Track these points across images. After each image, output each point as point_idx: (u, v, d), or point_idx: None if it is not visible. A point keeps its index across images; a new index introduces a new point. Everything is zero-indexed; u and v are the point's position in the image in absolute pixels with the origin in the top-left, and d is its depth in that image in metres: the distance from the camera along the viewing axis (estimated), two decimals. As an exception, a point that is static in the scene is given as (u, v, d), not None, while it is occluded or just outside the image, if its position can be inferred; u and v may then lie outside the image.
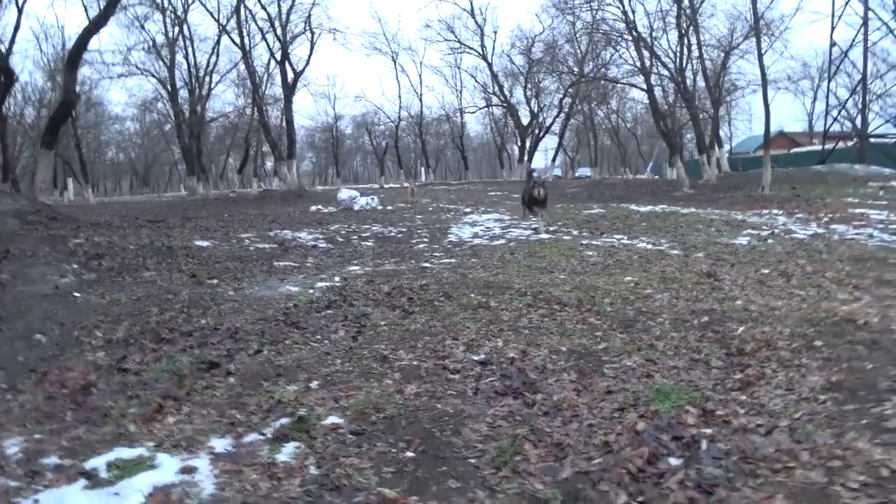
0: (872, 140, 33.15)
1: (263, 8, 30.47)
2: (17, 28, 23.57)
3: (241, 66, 33.20)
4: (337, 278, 6.64)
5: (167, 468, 3.24)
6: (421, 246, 9.88)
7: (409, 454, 3.09)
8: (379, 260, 8.47)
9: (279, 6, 30.52)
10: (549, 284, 6.66)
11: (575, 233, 11.25)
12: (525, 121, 44.10)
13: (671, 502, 2.76)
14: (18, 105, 37.71)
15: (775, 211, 14.44)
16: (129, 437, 3.65)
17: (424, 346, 4.67)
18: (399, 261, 8.33)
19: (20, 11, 23.14)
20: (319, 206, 17.60)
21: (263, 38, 31.72)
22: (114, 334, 5.54)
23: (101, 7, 17.50)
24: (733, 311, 5.65)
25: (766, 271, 7.60)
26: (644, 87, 27.70)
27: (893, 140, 31.90)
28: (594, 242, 9.88)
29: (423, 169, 50.55)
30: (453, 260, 8.42)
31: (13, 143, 36.97)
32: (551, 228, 11.60)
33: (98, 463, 3.37)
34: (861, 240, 10.27)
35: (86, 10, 26.41)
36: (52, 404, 4.31)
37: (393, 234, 11.48)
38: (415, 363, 4.31)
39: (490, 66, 42.80)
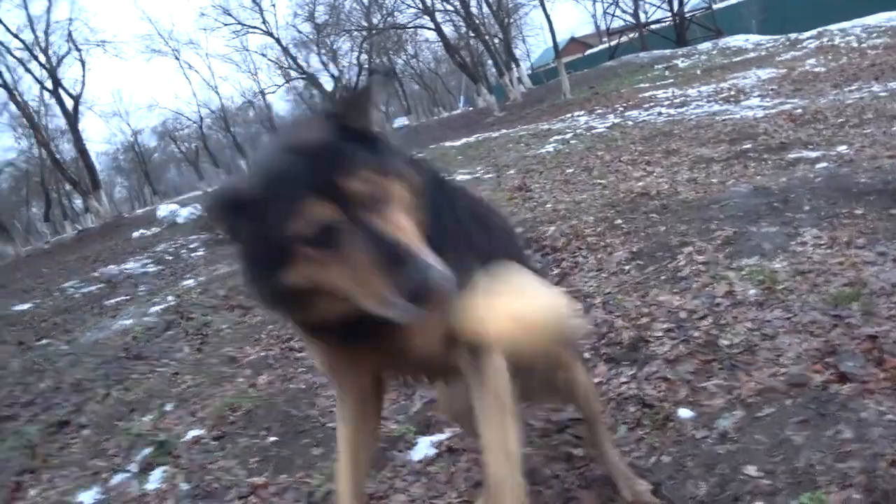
0: (652, 28, 35.67)
1: (16, 36, 27.69)
2: None
3: (11, 106, 30.21)
4: (170, 297, 6.52)
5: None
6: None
7: (271, 439, 3.23)
8: (213, 266, 8.32)
9: (34, 31, 27.86)
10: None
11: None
12: (329, 87, 43.63)
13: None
14: None
15: (577, 113, 15.43)
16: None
17: (269, 335, 4.77)
18: (233, 260, 8.24)
19: None
20: (142, 231, 16.74)
21: (27, 69, 28.92)
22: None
23: None
24: (544, 215, 6.14)
25: (571, 170, 8.24)
26: (432, 26, 28.20)
27: (668, 23, 34.37)
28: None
29: (242, 162, 48.85)
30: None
31: None
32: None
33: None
34: (651, 120, 11.29)
35: None
36: None
37: (222, 235, 11.24)
38: (262, 354, 4.41)
39: (278, 40, 41.70)
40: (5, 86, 27.27)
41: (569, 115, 15.31)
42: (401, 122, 54.94)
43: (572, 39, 54.58)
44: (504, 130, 16.36)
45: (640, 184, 6.61)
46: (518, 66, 36.30)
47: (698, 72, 18.15)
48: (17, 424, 4.80)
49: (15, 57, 28.25)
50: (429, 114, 61.33)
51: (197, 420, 3.67)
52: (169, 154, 61.17)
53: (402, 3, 32.07)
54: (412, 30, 36.08)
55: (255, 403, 3.64)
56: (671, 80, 17.09)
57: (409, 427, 2.98)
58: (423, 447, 2.83)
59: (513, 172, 9.09)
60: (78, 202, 43.82)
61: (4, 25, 27.21)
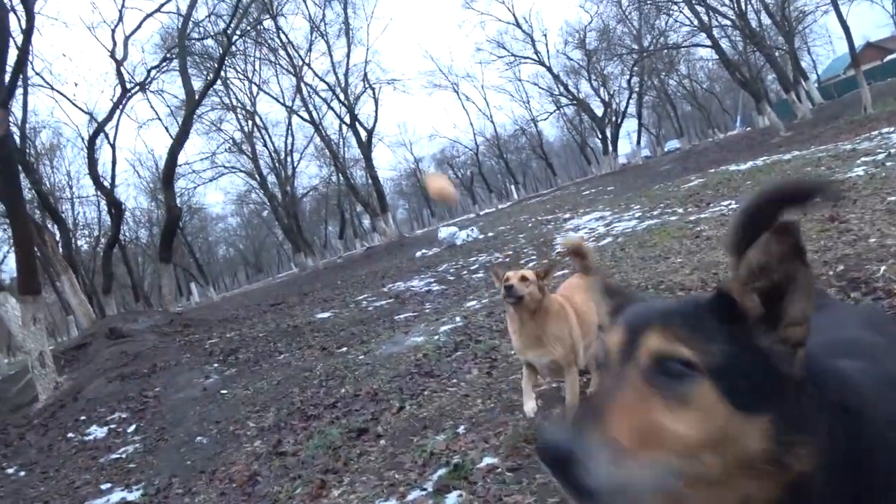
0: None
1: (322, 79, 31.76)
2: (114, 163, 25.63)
3: (317, 139, 34.58)
4: (458, 318, 6.71)
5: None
6: (530, 264, 9.84)
7: None
8: (494, 289, 8.49)
9: (335, 74, 31.69)
10: (668, 271, 6.44)
11: (680, 211, 10.86)
12: (599, 112, 43.37)
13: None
14: (132, 229, 40.78)
15: (885, 129, 13.42)
16: (301, 519, 3.81)
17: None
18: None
19: (114, 148, 25.21)
20: (424, 251, 17.89)
21: (329, 107, 32.98)
22: (265, 422, 5.80)
23: (180, 125, 18.79)
24: (868, 251, 5.26)
25: (894, 198, 7.06)
26: (708, 43, 26.67)
27: None
28: (703, 216, 9.50)
29: (512, 187, 50.53)
30: (565, 271, 8.33)
31: (136, 264, 40.02)
32: (654, 213, 11.26)
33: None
34: None
35: (167, 130, 28.33)
36: (226, 499, 4.56)
37: (500, 259, 11.49)
38: (554, 385, 4.27)
39: (549, 69, 42.48)
40: (313, 122, 31.35)
41: (875, 133, 13.34)
42: (672, 144, 52.77)
43: (868, 45, 47.89)
44: (796, 152, 14.75)
45: None
46: (805, 79, 32.92)
47: None
48: (321, 424, 5.22)
49: (321, 97, 32.49)
50: (702, 136, 58.17)
51: (490, 447, 3.61)
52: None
53: (676, 21, 30.80)
54: (686, 49, 34.48)
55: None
56: None
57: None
58: None
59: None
60: (366, 222, 48.58)
61: (313, 71, 31.52)
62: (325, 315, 10.27)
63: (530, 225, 17.57)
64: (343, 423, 5.00)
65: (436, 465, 3.69)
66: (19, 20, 14.09)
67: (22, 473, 7.04)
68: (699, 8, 25.83)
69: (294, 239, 34.05)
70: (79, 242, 32.48)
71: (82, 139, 25.15)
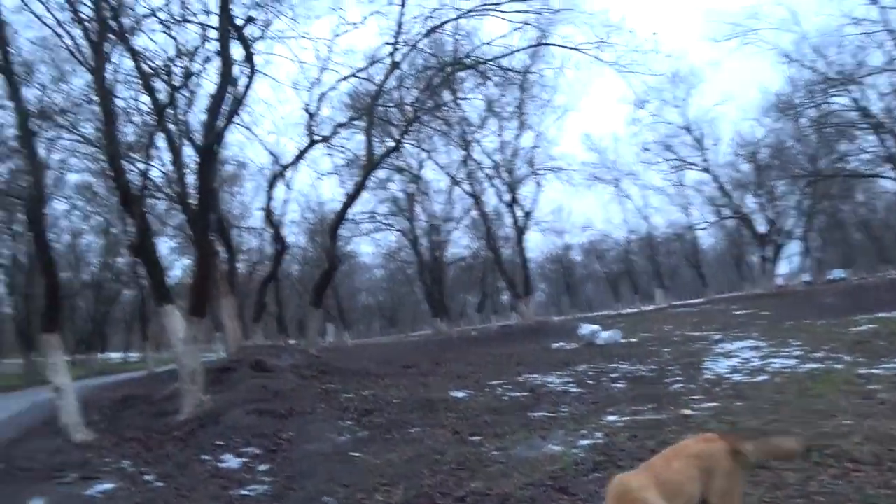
0: None
1: (489, 156, 32.78)
2: (286, 202, 27.73)
3: (473, 212, 35.48)
4: (598, 434, 6.49)
5: None
6: (676, 386, 9.38)
7: None
8: (635, 405, 8.15)
9: (502, 153, 32.60)
10: (834, 434, 5.88)
11: (848, 359, 10.02)
12: (762, 229, 41.34)
13: None
14: (287, 263, 43.40)
15: None
16: None
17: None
18: (657, 407, 7.93)
19: (289, 189, 27.37)
20: (562, 343, 17.65)
21: (491, 183, 33.85)
22: (392, 498, 5.83)
23: (356, 183, 20.02)
24: None
25: None
26: (892, 175, 24.88)
27: None
28: (875, 371, 8.69)
29: (658, 291, 48.94)
30: (715, 403, 7.87)
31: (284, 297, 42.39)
32: (817, 355, 10.46)
33: None
34: None
35: (341, 183, 30.24)
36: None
37: (643, 372, 11.08)
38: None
39: (716, 178, 41.26)
40: (474, 195, 32.34)
41: None
42: (836, 273, 49.33)
43: None
44: None
45: None
46: None
47: None
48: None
49: (484, 173, 33.47)
50: (872, 270, 53.67)
51: None
52: (591, 270, 64.50)
53: (859, 148, 28.93)
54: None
55: None
56: None
57: None
58: None
59: None
60: (505, 298, 48.73)
61: (482, 147, 32.70)
62: (460, 395, 10.30)
63: (676, 339, 16.86)
64: (470, 520, 4.94)
65: None
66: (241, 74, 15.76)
67: (159, 484, 7.50)
68: (885, 136, 24.30)
69: (434, 303, 34.75)
70: (237, 266, 34.98)
71: (263, 176, 27.38)
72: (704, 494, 3.48)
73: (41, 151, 17.48)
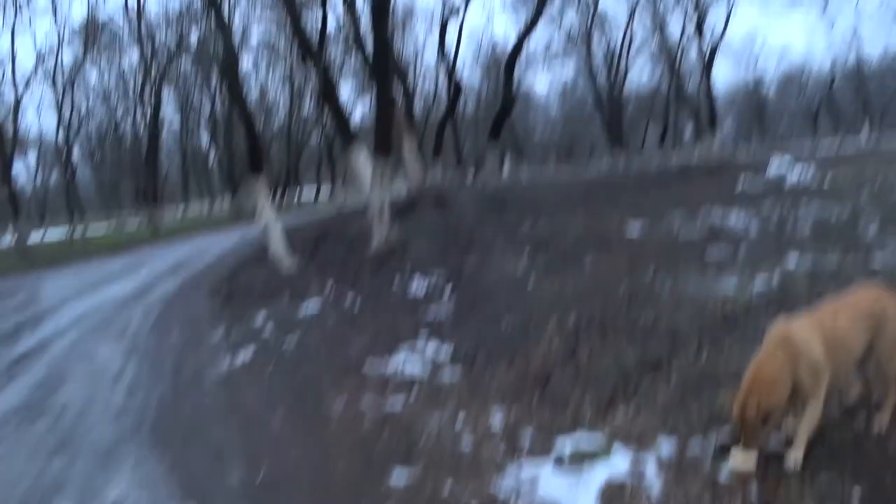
0: None
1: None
2: (458, 45, 27.62)
3: (656, 40, 33.15)
4: (775, 277, 6.39)
5: (619, 465, 3.69)
6: (869, 234, 8.69)
7: (857, 491, 2.99)
8: (819, 251, 7.75)
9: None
10: None
11: None
12: None
13: None
14: (461, 102, 43.81)
15: None
16: (586, 427, 4.23)
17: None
18: (843, 254, 7.45)
19: (461, 31, 27.11)
20: (745, 181, 16.69)
21: (677, 5, 31.07)
22: (564, 325, 6.27)
23: (532, 13, 19.34)
24: None
25: None
26: None
27: None
28: None
29: (863, 128, 43.54)
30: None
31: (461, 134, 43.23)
32: None
33: (562, 447, 4.01)
34: None
35: (515, 18, 29.34)
36: (521, 385, 5.18)
37: (834, 216, 10.34)
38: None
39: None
40: (656, 21, 30.06)
41: None
42: None
43: None
44: None
45: None
46: None
47: None
48: (617, 344, 5.53)
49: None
50: None
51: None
52: (785, 104, 58.90)
53: None
54: None
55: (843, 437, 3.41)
56: None
57: None
58: None
59: None
60: (687, 134, 46.23)
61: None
62: (635, 229, 10.34)
63: (879, 182, 15.26)
64: (638, 350, 5.25)
65: (720, 425, 3.79)
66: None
67: (357, 305, 8.55)
68: None
69: (612, 138, 33.84)
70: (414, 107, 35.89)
71: (435, 18, 27.40)
72: (871, 350, 3.42)
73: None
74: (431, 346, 6.44)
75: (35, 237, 33.21)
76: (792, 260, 7.20)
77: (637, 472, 3.55)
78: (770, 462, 3.29)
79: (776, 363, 3.22)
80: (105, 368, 6.95)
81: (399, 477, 3.78)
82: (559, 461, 3.86)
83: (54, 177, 52.62)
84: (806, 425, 3.25)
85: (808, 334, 3.29)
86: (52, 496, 4.06)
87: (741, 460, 3.26)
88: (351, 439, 4.38)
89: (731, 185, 16.70)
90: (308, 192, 53.00)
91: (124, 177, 49.33)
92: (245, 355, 6.84)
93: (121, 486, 4.08)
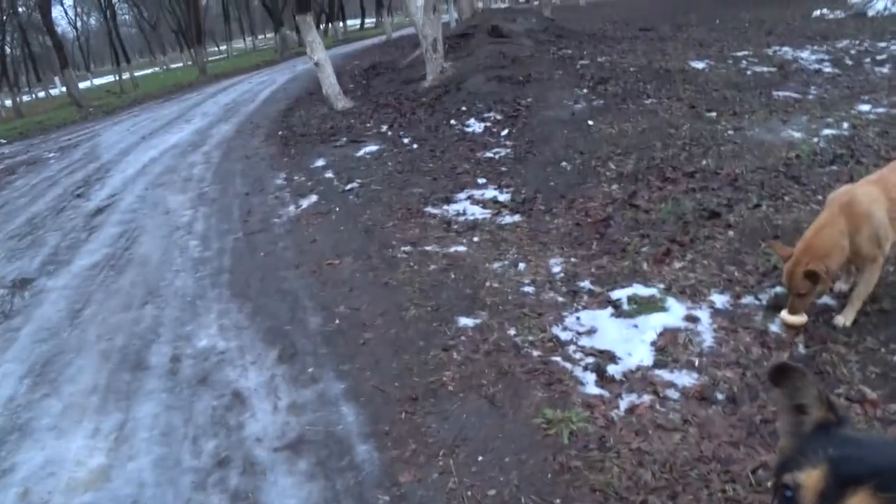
0: None
1: None
2: None
3: None
4: (845, 124, 6.18)
5: (674, 313, 3.90)
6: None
7: None
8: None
9: None
10: None
11: None
12: None
13: None
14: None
15: None
16: (643, 275, 4.41)
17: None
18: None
19: None
20: (824, 11, 15.52)
21: None
22: (624, 167, 6.32)
23: None
24: None
25: None
26: None
27: None
28: None
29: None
30: None
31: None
32: None
33: (620, 295, 4.22)
34: None
35: None
36: (580, 231, 5.34)
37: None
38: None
39: None
40: None
41: None
42: None
43: None
44: None
45: None
46: None
47: None
48: (676, 191, 5.58)
49: None
50: None
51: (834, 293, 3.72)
52: None
53: None
54: None
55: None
56: None
57: None
58: None
59: None
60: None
61: None
62: (699, 65, 9.94)
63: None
64: (697, 198, 5.30)
65: (775, 281, 3.93)
66: None
67: (415, 146, 8.61)
68: None
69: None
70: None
71: None
72: None
73: None
74: (491, 190, 6.57)
75: (83, 85, 33.27)
76: (864, 106, 6.91)
77: (691, 323, 3.76)
78: (820, 320, 3.47)
79: (835, 230, 3.23)
80: (177, 219, 7.23)
81: (465, 322, 4.09)
82: (616, 309, 4.09)
83: (93, 21, 51.82)
84: (861, 290, 3.34)
85: (873, 201, 3.23)
86: (150, 343, 4.47)
87: (792, 315, 3.44)
88: (418, 284, 4.66)
89: (807, 13, 15.59)
90: (354, 21, 51.17)
91: (165, 15, 48.31)
92: (308, 201, 7.08)
93: (209, 334, 4.48)
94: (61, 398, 3.91)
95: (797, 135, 6.17)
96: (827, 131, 6.10)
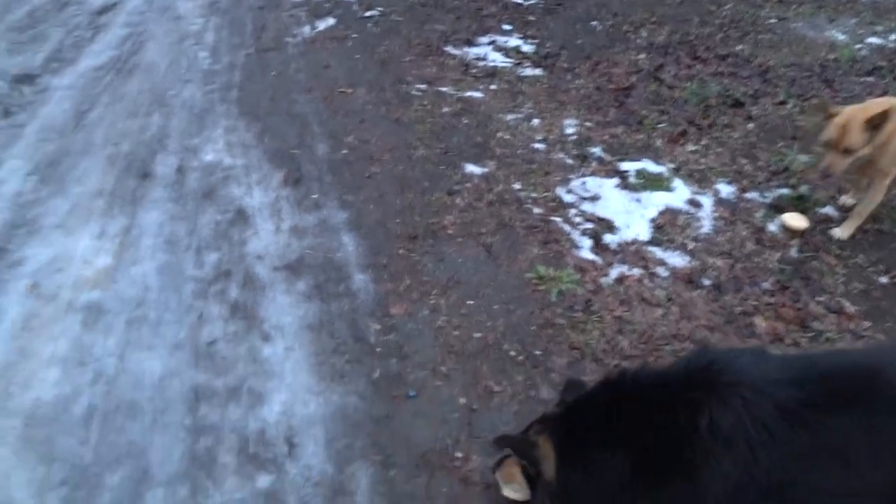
0: None
1: None
2: None
3: None
4: (892, 36, 5.90)
5: (679, 194, 3.95)
6: None
7: (884, 279, 3.19)
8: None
9: None
10: None
11: None
12: None
13: None
14: None
15: None
16: (655, 151, 4.41)
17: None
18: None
19: None
20: None
21: None
22: (655, 38, 6.11)
23: None
24: None
25: None
26: None
27: None
28: None
29: None
30: None
31: None
32: None
33: (629, 167, 4.25)
34: None
35: None
36: (599, 96, 5.25)
37: None
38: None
39: None
40: None
41: None
42: None
43: None
44: None
45: None
46: None
47: None
48: (705, 72, 5.44)
49: None
50: None
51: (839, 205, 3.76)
52: None
53: None
54: None
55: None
56: None
57: None
58: None
59: None
60: None
61: None
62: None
63: None
64: (725, 83, 5.18)
65: (783, 182, 3.95)
66: None
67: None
68: None
69: None
70: None
71: None
72: None
73: None
74: (515, 39, 6.34)
75: None
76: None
77: (693, 207, 3.81)
78: (817, 229, 3.54)
79: (866, 123, 3.02)
80: (186, 27, 6.89)
81: (472, 169, 4.11)
82: (623, 180, 4.13)
83: None
84: (865, 205, 3.36)
85: None
86: (156, 152, 4.45)
87: (794, 218, 3.51)
88: (430, 125, 4.62)
89: None
90: None
91: None
92: (325, 23, 6.77)
93: (216, 148, 4.45)
94: (68, 198, 3.95)
95: (841, 37, 5.92)
96: (872, 39, 5.84)
